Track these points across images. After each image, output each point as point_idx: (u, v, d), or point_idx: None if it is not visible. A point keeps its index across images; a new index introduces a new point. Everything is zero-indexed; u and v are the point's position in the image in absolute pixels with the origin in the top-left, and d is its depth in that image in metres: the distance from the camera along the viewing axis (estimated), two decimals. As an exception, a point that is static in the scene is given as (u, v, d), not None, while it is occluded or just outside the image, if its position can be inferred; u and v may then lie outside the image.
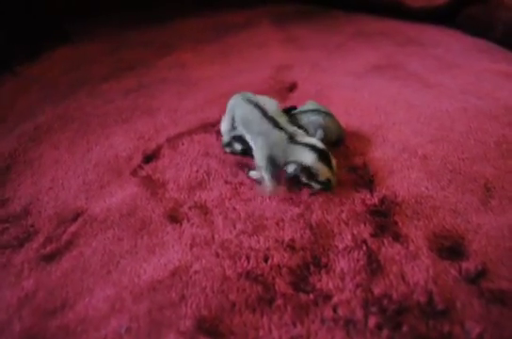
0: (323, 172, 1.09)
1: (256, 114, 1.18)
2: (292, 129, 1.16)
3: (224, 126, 1.31)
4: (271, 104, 1.22)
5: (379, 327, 0.82)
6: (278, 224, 1.06)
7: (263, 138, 1.15)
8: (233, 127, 1.26)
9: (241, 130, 1.23)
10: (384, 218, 1.08)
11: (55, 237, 1.04)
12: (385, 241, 1.01)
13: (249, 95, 1.27)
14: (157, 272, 0.93)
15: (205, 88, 1.76)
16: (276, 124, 1.15)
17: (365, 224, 1.06)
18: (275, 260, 0.96)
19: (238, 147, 1.30)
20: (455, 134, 1.47)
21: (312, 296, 0.88)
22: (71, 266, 0.96)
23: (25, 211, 1.14)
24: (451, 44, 2.33)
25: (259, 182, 1.19)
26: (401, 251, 0.98)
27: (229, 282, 0.90)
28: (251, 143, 1.21)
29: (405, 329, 0.82)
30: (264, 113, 1.18)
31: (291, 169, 1.11)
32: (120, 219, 1.08)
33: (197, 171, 1.24)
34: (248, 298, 0.87)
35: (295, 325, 0.82)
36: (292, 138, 1.12)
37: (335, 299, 0.87)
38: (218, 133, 1.45)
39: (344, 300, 0.87)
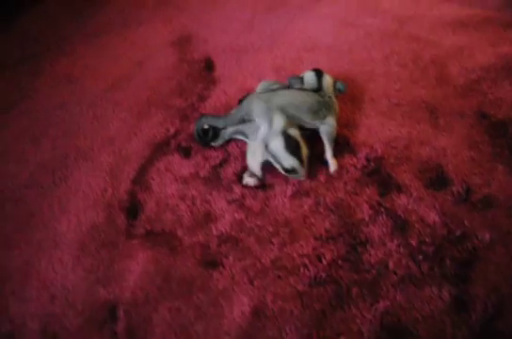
0: None
1: None
2: None
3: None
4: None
5: (431, 268, 1.02)
6: (305, 221, 1.12)
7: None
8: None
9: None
10: (379, 175, 1.22)
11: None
12: (393, 196, 1.16)
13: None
14: (240, 320, 0.96)
15: (121, 97, 1.50)
16: None
17: (369, 187, 1.19)
18: (327, 256, 1.05)
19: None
20: (378, 64, 1.57)
21: (373, 271, 1.02)
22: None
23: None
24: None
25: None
26: (409, 200, 1.15)
27: (307, 296, 0.99)
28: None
29: (447, 261, 1.03)
30: None
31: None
32: (161, 291, 1.02)
33: (193, 204, 1.18)
34: (330, 299, 0.98)
35: (378, 302, 0.97)
36: None
37: (391, 265, 1.03)
38: (178, 150, 1.33)
39: (397, 262, 1.03)
